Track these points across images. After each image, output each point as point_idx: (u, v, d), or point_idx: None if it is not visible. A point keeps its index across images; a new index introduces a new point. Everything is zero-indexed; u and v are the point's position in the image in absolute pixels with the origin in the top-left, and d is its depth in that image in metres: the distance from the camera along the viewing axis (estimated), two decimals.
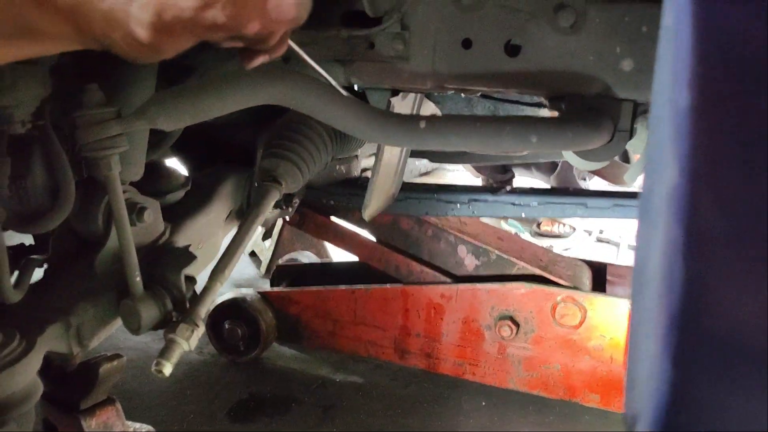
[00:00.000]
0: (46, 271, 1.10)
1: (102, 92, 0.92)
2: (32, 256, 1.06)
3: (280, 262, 2.52)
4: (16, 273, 1.03)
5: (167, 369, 0.92)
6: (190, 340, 0.96)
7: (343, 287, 1.99)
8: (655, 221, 0.37)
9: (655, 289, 0.36)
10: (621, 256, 3.25)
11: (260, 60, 0.76)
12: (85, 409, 1.03)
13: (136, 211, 1.05)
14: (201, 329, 0.98)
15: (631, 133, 1.05)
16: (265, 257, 2.80)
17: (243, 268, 2.88)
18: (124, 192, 0.97)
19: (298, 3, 0.65)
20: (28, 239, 1.16)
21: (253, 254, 2.94)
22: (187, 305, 1.03)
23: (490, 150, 0.99)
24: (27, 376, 0.88)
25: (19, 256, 1.06)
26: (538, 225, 3.62)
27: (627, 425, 0.39)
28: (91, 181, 1.07)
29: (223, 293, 2.01)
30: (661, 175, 0.35)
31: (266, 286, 2.45)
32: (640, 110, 1.07)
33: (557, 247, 3.29)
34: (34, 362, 0.90)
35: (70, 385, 1.03)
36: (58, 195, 0.98)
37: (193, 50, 1.19)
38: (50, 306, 0.98)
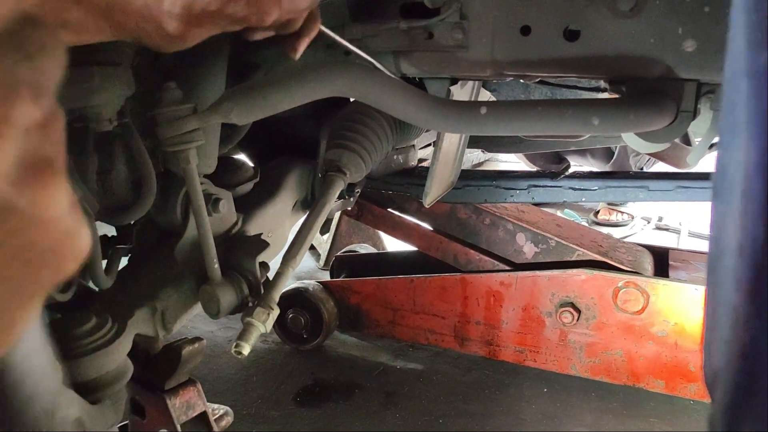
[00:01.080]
0: (129, 260, 1.17)
1: (180, 90, 0.97)
2: (118, 246, 1.14)
3: (339, 254, 2.58)
4: (104, 261, 1.10)
5: (246, 350, 0.97)
6: (267, 323, 1.01)
7: (402, 276, 2.02)
8: (731, 198, 0.38)
9: (732, 261, 0.37)
10: (682, 243, 3.18)
11: (301, 45, 0.79)
12: (169, 389, 1.09)
13: (211, 202, 1.11)
14: (276, 312, 1.03)
15: (695, 114, 1.05)
16: (324, 250, 2.87)
17: (303, 261, 2.94)
18: (200, 184, 1.02)
19: None
20: (109, 230, 1.24)
21: (311, 247, 3.00)
22: (262, 290, 1.08)
23: (552, 132, 1.00)
24: (119, 356, 0.95)
25: (105, 247, 1.14)
26: (596, 214, 3.57)
27: (707, 385, 0.41)
28: (168, 175, 1.13)
29: (285, 285, 2.07)
30: (738, 143, 0.36)
31: (325, 277, 2.51)
32: (703, 90, 1.06)
33: (616, 235, 3.25)
34: (125, 344, 0.96)
35: (155, 367, 1.10)
36: (140, 188, 1.04)
37: (258, 47, 1.24)
38: (137, 292, 1.05)
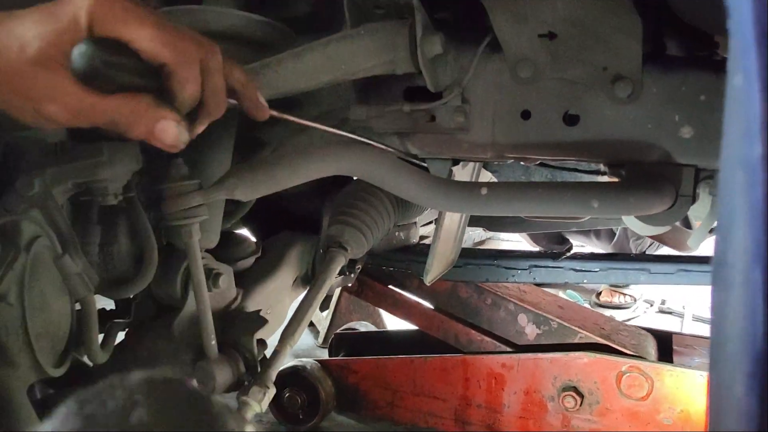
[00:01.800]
0: (126, 334, 1.15)
1: (186, 166, 0.99)
2: (116, 320, 1.13)
3: (338, 332, 2.54)
4: (101, 336, 1.08)
5: None
6: (262, 402, 0.99)
7: (401, 356, 1.99)
8: (731, 286, 0.38)
9: (735, 345, 0.37)
10: (685, 327, 3.14)
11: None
12: None
13: (212, 277, 1.11)
14: (272, 391, 1.01)
15: (694, 198, 1.06)
16: (323, 327, 2.83)
17: (301, 337, 2.91)
18: (201, 258, 1.02)
19: (181, 134, 0.69)
20: (107, 304, 1.23)
21: (310, 324, 2.97)
22: (259, 368, 1.07)
23: (551, 214, 1.01)
24: None
25: (102, 321, 1.13)
26: (598, 295, 3.55)
27: None
28: (169, 249, 1.13)
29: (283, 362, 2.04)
30: (736, 232, 0.37)
31: (324, 355, 2.47)
32: (702, 176, 1.08)
33: (618, 318, 3.21)
34: None
35: None
36: (142, 261, 1.04)
37: (265, 125, 1.27)
38: (132, 367, 1.03)
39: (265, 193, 0.99)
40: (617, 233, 3.41)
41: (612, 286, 3.49)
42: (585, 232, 3.55)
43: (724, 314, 0.38)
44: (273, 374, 1.04)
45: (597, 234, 3.50)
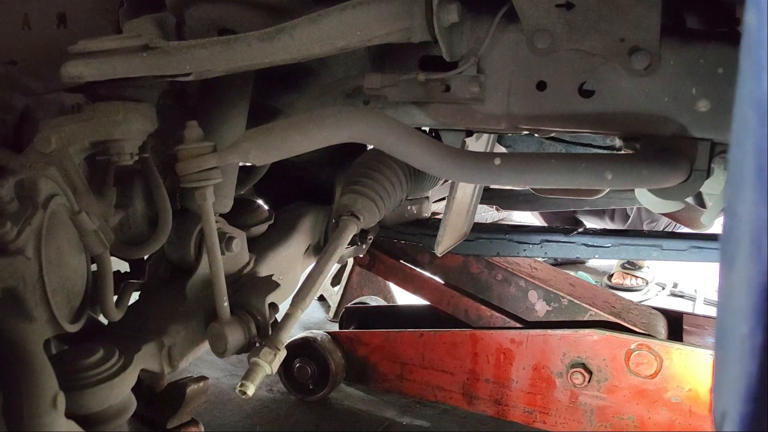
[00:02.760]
0: (140, 295, 1.17)
1: (200, 129, 1.00)
2: (130, 280, 1.14)
3: (348, 305, 2.56)
4: (115, 295, 1.10)
5: (250, 390, 0.96)
6: (273, 364, 1.00)
7: (411, 330, 2.00)
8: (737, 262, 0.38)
9: (741, 311, 0.37)
10: (697, 310, 3.12)
11: None
12: (171, 428, 1.08)
13: (225, 241, 1.12)
14: (283, 353, 1.03)
15: (708, 173, 1.05)
16: (334, 301, 2.86)
17: (312, 311, 2.94)
18: (215, 222, 1.03)
19: None
20: (122, 266, 1.25)
21: (321, 298, 2.99)
22: (270, 331, 1.08)
23: (565, 185, 1.01)
24: (124, 390, 0.94)
25: (117, 281, 1.14)
26: (609, 277, 3.54)
27: (715, 424, 0.40)
28: (184, 212, 1.14)
29: (293, 335, 2.06)
30: (743, 213, 0.36)
31: (335, 329, 2.49)
32: (717, 150, 1.07)
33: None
34: (130, 378, 0.96)
35: (158, 404, 1.08)
36: (156, 223, 1.06)
37: (280, 93, 1.28)
38: (146, 326, 1.05)
39: (278, 158, 0.99)
40: (631, 215, 3.39)
41: (624, 268, 3.48)
42: (598, 213, 3.53)
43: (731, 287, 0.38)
44: (284, 337, 1.05)
45: (611, 215, 3.48)
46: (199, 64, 1.00)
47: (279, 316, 1.14)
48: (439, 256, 1.35)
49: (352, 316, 2.41)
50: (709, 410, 0.46)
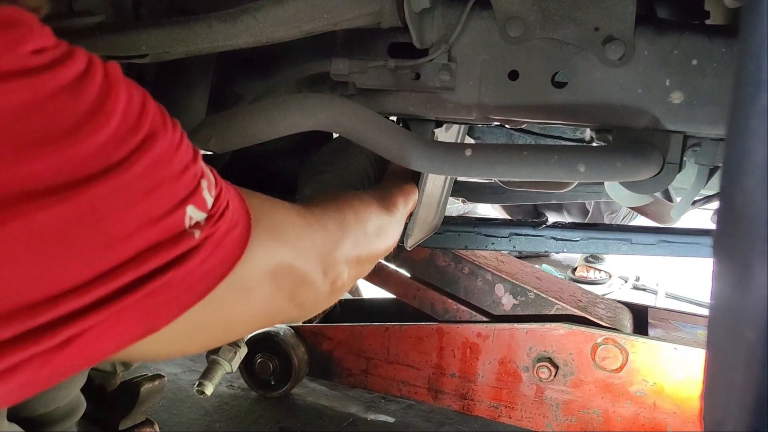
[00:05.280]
0: None
1: None
2: None
3: None
4: None
5: (209, 389, 0.91)
6: (233, 362, 0.95)
7: (376, 324, 1.97)
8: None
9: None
10: (659, 303, 3.17)
11: None
12: (123, 429, 1.03)
13: None
14: (243, 350, 0.98)
15: (681, 166, 1.04)
16: None
17: None
18: None
19: None
20: None
21: None
22: None
23: (537, 178, 0.99)
24: (72, 391, 0.88)
25: None
26: (573, 270, 3.57)
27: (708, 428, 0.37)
28: None
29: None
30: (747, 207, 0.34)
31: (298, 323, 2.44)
32: (689, 143, 1.06)
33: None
34: (79, 378, 0.90)
35: (110, 405, 1.03)
36: None
37: (242, 78, 1.22)
38: None
39: (240, 146, 0.94)
40: (590, 209, 3.42)
41: (587, 261, 3.51)
42: (557, 208, 3.56)
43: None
44: None
45: (568, 209, 3.51)
46: (156, 45, 0.94)
47: None
48: (409, 250, 1.32)
49: None
50: (699, 417, 0.43)
